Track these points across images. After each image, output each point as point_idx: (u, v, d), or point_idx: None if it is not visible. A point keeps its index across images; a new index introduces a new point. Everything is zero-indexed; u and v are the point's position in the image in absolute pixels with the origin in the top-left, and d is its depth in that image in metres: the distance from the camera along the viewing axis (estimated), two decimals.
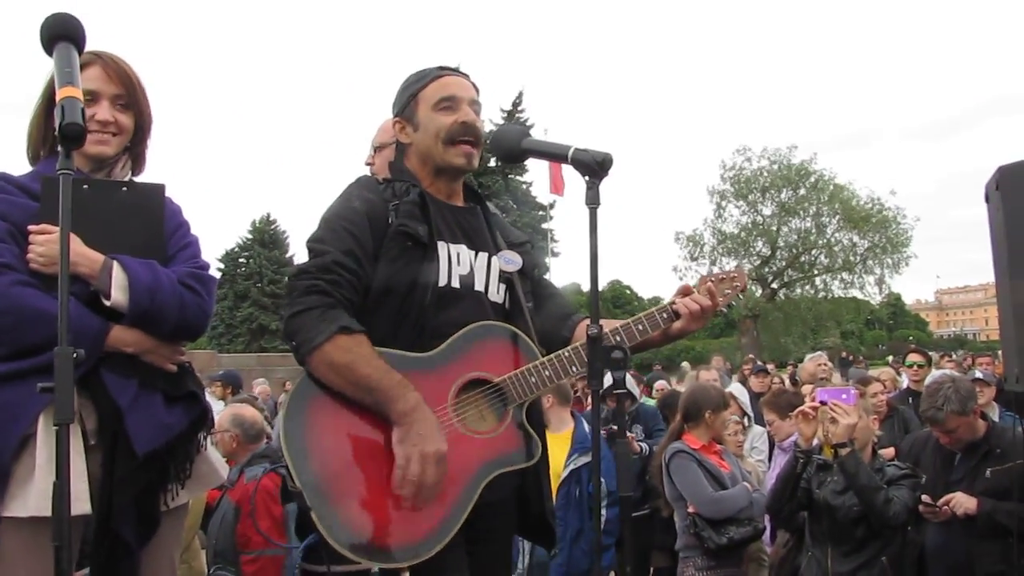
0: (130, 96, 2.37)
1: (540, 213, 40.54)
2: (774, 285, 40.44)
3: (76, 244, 2.14)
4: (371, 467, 2.19)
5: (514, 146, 2.24)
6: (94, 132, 2.28)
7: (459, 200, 2.60)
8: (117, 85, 2.34)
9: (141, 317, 2.22)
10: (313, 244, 2.34)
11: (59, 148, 1.68)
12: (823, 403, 4.05)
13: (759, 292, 39.61)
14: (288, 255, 49.38)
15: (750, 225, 39.81)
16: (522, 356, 2.41)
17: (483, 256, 2.51)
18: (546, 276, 2.80)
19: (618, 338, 2.44)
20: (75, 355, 1.64)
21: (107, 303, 2.19)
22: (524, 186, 42.34)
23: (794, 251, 39.98)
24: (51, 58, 1.79)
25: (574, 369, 2.38)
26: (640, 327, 2.49)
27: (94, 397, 2.18)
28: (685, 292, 2.55)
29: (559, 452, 4.96)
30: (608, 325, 2.42)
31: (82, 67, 2.18)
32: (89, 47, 1.94)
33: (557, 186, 30.83)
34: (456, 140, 2.47)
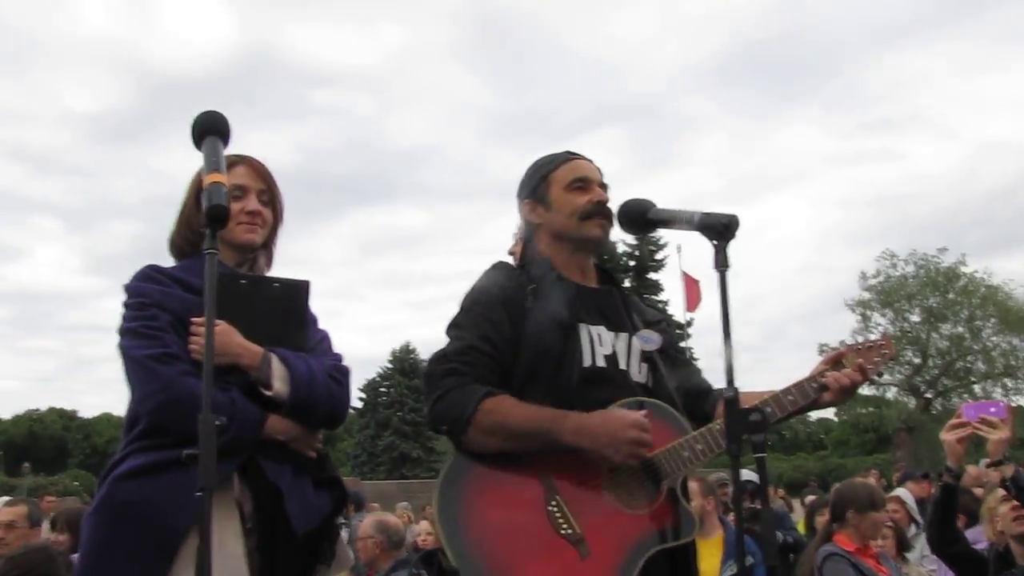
0: (271, 192, 2.55)
1: (678, 332, 40.10)
2: (928, 395, 38.36)
3: (237, 336, 2.28)
4: (529, 540, 2.19)
5: (641, 216, 2.28)
6: (244, 223, 2.45)
7: (593, 281, 2.65)
8: (261, 182, 2.53)
9: (298, 407, 2.33)
10: (451, 331, 2.43)
11: (206, 230, 1.79)
12: (969, 420, 3.63)
13: (912, 403, 37.67)
14: None
15: (898, 333, 38.18)
16: (673, 431, 2.39)
17: (623, 336, 2.54)
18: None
19: (768, 409, 2.38)
20: (218, 422, 1.69)
21: (268, 393, 2.30)
22: (660, 304, 42.19)
23: (947, 358, 37.96)
24: (200, 151, 1.95)
25: (725, 442, 2.31)
26: (791, 397, 2.42)
27: (251, 482, 2.26)
28: (834, 359, 2.49)
29: (709, 557, 4.76)
30: (753, 397, 2.37)
31: (230, 167, 2.40)
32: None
33: (692, 303, 30.14)
34: (591, 216, 2.54)
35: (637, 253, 41.01)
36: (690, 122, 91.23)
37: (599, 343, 2.47)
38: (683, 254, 31.05)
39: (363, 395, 50.66)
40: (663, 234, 40.62)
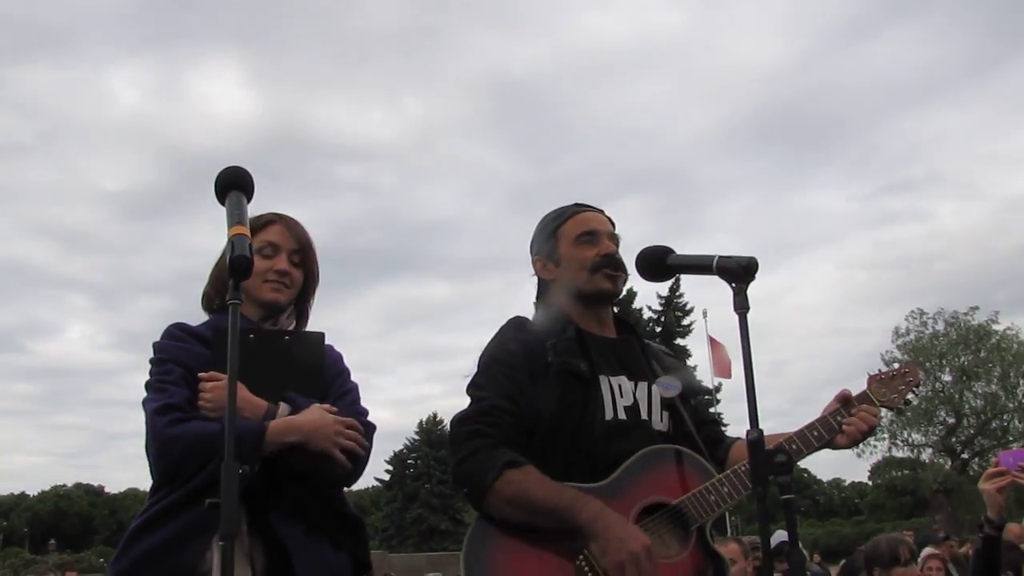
0: (304, 254, 2.56)
1: (706, 398, 39.50)
2: (964, 455, 37.60)
3: (242, 391, 2.22)
4: None
5: (659, 262, 2.28)
6: (272, 281, 2.46)
7: (611, 331, 2.63)
8: (294, 242, 2.53)
9: (307, 455, 2.27)
10: (471, 391, 2.42)
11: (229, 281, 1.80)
12: (1008, 468, 3.50)
13: (948, 465, 36.91)
14: None
15: (930, 393, 37.58)
16: (698, 476, 2.37)
17: (643, 385, 2.52)
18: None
19: (794, 446, 2.36)
20: (240, 471, 1.68)
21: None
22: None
23: (982, 417, 37.27)
24: (223, 206, 1.97)
25: (751, 484, 2.28)
26: (815, 433, 2.40)
27: (264, 539, 2.23)
28: (844, 399, 2.45)
29: None
30: (776, 439, 2.33)
31: (265, 225, 2.48)
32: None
33: (723, 369, 28.84)
34: (599, 268, 2.54)
35: (663, 319, 41.46)
36: (714, 188, 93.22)
37: (620, 394, 2.46)
38: (709, 319, 31.02)
39: (390, 467, 50.38)
40: (689, 298, 41.29)
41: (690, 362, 40.60)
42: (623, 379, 2.49)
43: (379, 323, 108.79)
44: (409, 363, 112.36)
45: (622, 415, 2.43)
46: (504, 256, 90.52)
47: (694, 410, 2.63)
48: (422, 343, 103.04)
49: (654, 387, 2.53)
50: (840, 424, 2.40)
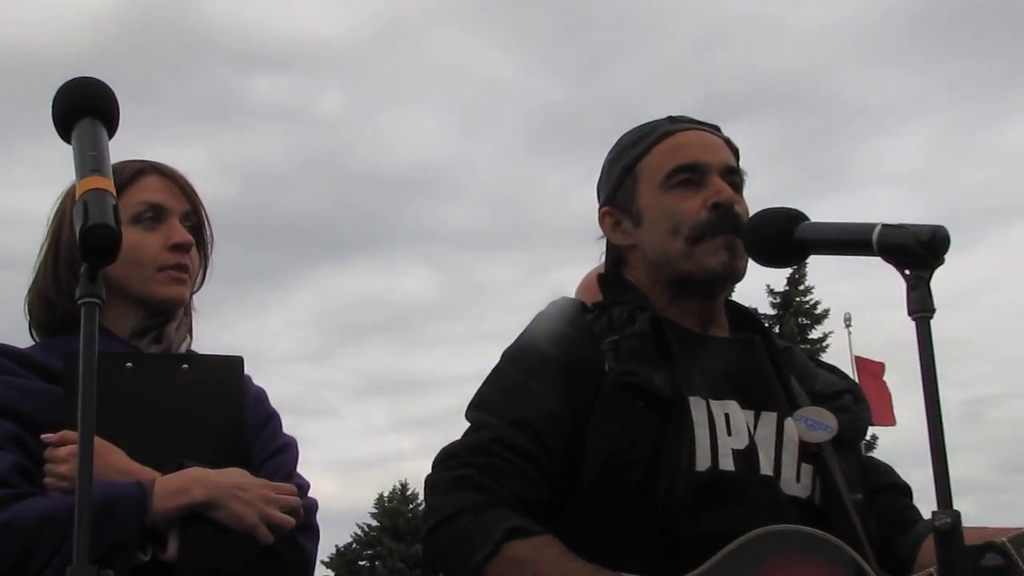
0: (198, 216, 1.82)
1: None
2: None
3: (112, 456, 1.53)
4: None
5: (784, 236, 1.49)
6: (167, 268, 1.72)
7: (722, 329, 1.79)
8: (184, 200, 1.79)
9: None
10: (471, 412, 1.67)
11: (82, 268, 1.11)
12: None
13: None
14: None
15: None
16: None
17: (769, 418, 1.68)
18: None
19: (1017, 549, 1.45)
20: None
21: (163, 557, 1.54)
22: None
23: None
24: (68, 144, 1.26)
25: None
26: None
27: None
28: None
29: None
30: (984, 534, 1.44)
31: (133, 177, 1.71)
32: None
33: (881, 410, 18.27)
34: (706, 234, 1.69)
35: (778, 328, 25.21)
36: (867, 114, 54.31)
37: (726, 431, 1.63)
38: (855, 328, 20.30)
39: (330, 574, 33.75)
40: (820, 295, 27.87)
41: None
42: (734, 406, 1.65)
43: (316, 336, 62.09)
44: (363, 400, 66.71)
45: (727, 465, 1.59)
46: (521, 225, 57.51)
47: (861, 467, 1.77)
48: (385, 368, 60.33)
49: (789, 422, 1.68)
50: None
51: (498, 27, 61.10)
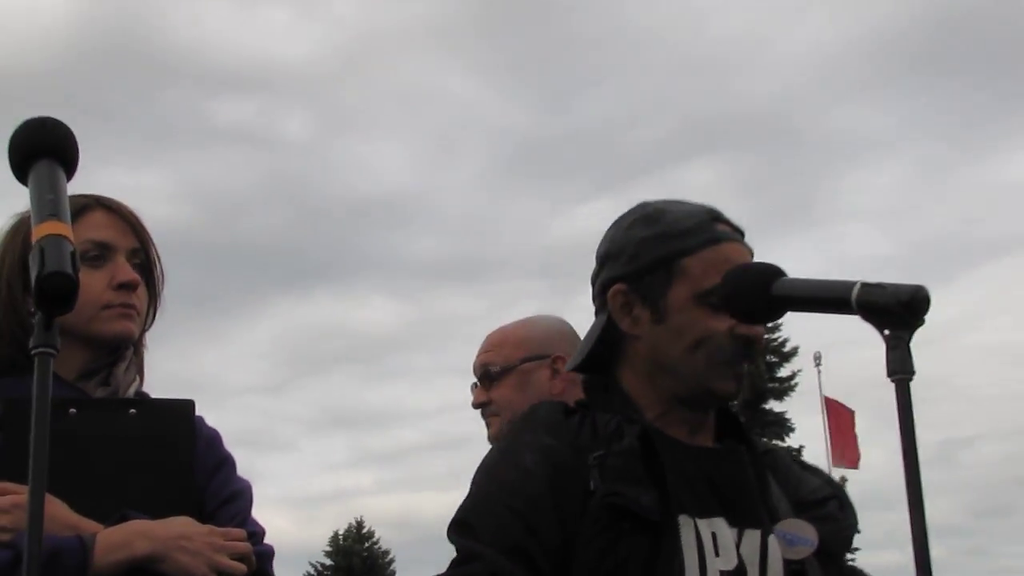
0: (146, 253, 1.77)
1: None
2: None
3: (57, 508, 1.46)
4: None
5: (761, 293, 1.42)
6: (114, 306, 1.66)
7: (708, 436, 1.68)
8: (131, 237, 1.74)
9: None
10: (455, 535, 1.56)
11: (35, 318, 1.03)
12: None
13: None
14: None
15: None
16: None
17: (752, 536, 1.59)
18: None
19: None
20: None
21: None
22: (793, 452, 31.11)
23: None
24: (24, 185, 1.18)
25: None
26: None
27: None
28: None
29: None
30: None
31: (78, 212, 1.61)
32: None
33: (848, 455, 19.27)
34: (732, 361, 1.60)
35: (744, 367, 23.80)
36: (841, 147, 52.87)
37: (714, 552, 1.55)
38: (825, 368, 20.39)
39: None
40: (789, 333, 27.38)
41: (795, 440, 26.56)
42: (720, 523, 1.57)
43: (275, 366, 61.60)
44: (322, 433, 65.46)
45: None
46: (487, 256, 56.40)
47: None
48: (345, 400, 59.01)
49: (772, 540, 1.59)
50: None
51: (468, 53, 60.53)
